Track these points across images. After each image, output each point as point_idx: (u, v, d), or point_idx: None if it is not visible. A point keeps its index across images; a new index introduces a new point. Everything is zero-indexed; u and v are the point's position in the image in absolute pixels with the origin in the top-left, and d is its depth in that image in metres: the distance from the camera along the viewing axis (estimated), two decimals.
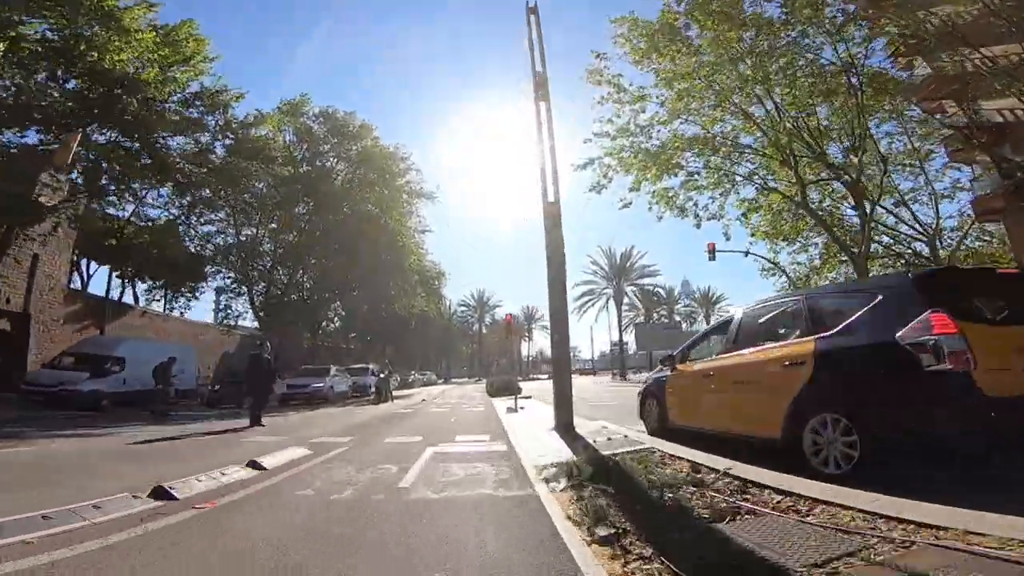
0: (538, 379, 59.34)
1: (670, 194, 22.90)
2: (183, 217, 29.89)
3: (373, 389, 21.39)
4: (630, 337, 48.30)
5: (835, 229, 21.20)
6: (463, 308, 69.61)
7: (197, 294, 36.77)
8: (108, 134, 22.38)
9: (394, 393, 24.09)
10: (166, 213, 29.71)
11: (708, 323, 62.52)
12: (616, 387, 29.83)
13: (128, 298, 37.55)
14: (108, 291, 35.08)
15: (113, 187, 24.08)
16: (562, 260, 9.36)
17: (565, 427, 8.63)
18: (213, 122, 25.05)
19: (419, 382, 40.76)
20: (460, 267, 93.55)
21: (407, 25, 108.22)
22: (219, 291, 32.85)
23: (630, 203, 21.96)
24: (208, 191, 29.31)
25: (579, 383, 41.96)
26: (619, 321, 47.95)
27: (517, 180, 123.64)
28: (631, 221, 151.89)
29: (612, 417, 10.81)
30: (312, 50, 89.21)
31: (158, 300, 34.28)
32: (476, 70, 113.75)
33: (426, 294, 34.13)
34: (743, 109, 20.80)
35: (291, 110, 32.02)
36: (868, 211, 19.56)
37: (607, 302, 48.34)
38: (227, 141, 26.11)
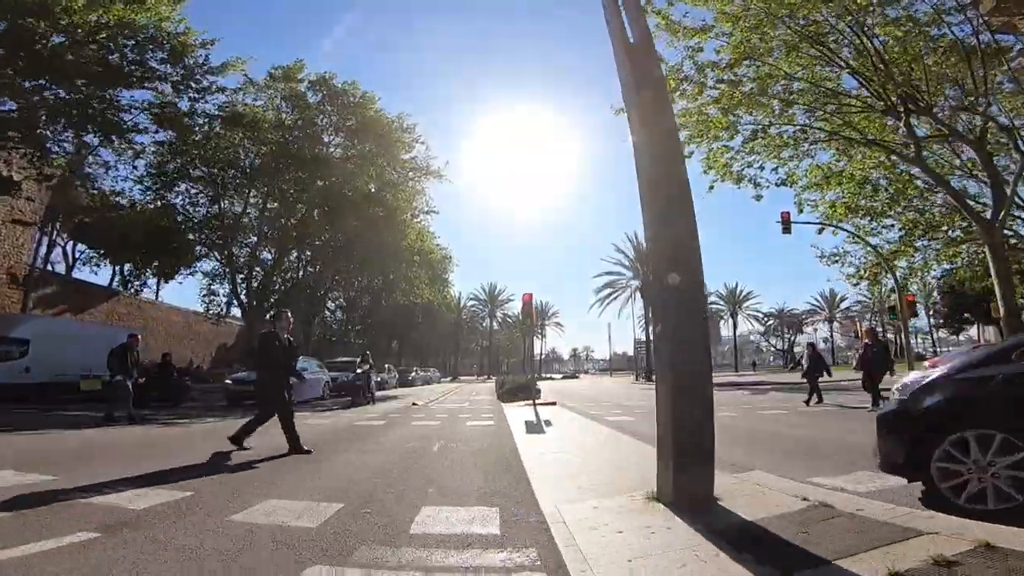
0: (552, 379, 53.75)
1: (726, 156, 17.63)
2: (155, 188, 25.05)
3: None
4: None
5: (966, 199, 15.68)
6: (473, 302, 63.59)
7: (177, 277, 32.09)
8: (37, 81, 17.48)
9: (379, 393, 18.58)
10: (140, 187, 25.08)
11: (735, 322, 56.68)
12: (650, 390, 24.00)
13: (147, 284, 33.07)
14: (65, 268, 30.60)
15: (49, 141, 19.29)
16: (676, 147, 3.99)
17: (701, 501, 3.17)
18: (173, 72, 19.97)
19: (420, 380, 35.12)
20: (472, 261, 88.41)
21: (434, 17, 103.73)
22: (205, 275, 27.76)
23: (690, 154, 16.64)
24: (181, 160, 25.03)
25: (600, 385, 36.04)
26: (645, 315, 41.55)
27: (534, 173, 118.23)
28: None
29: (749, 455, 5.33)
30: (334, 44, 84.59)
31: (132, 282, 29.34)
32: (497, 67, 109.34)
33: (430, 281, 28.75)
34: (830, 49, 15.56)
35: (283, 75, 26.90)
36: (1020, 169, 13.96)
37: (632, 295, 42.42)
38: (192, 94, 20.99)
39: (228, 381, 15.19)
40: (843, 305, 61.91)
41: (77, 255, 32.62)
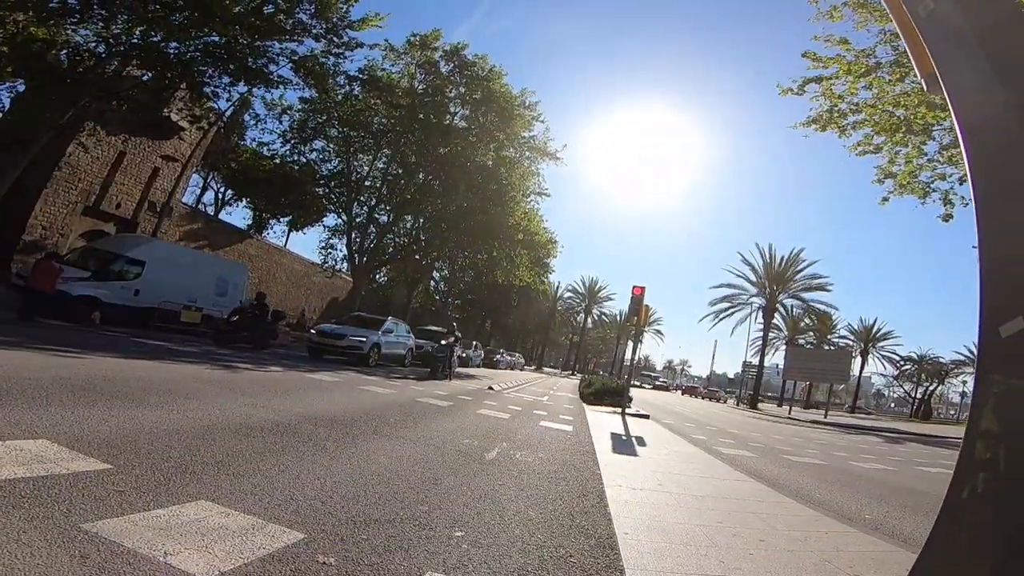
0: (643, 387, 50.56)
1: (915, 162, 14.08)
2: (294, 143, 26.33)
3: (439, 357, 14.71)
4: (772, 359, 36.98)
5: None
6: (570, 295, 60.71)
7: (304, 229, 34.39)
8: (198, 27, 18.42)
9: (460, 370, 17.47)
10: (281, 140, 26.51)
11: (864, 362, 49.00)
12: (768, 423, 20.56)
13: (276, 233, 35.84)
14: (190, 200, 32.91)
15: (206, 86, 20.44)
16: None
17: None
18: (318, 26, 20.36)
19: (504, 363, 33.91)
20: (573, 252, 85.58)
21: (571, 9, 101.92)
22: (327, 228, 29.00)
23: (881, 146, 13.55)
24: (321, 118, 26.18)
25: (695, 404, 32.45)
26: (764, 338, 36.00)
27: (651, 171, 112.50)
28: (783, 219, 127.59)
29: None
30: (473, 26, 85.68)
31: (265, 226, 31.56)
32: (626, 57, 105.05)
33: (532, 264, 27.38)
34: None
35: (421, 43, 26.85)
36: None
37: (751, 315, 36.36)
38: (334, 50, 21.35)
39: (312, 331, 14.76)
40: None
41: (226, 199, 35.81)
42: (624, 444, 6.90)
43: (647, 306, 12.41)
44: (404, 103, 25.24)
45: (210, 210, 34.58)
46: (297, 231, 36.88)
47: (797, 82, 13.15)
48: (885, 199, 14.94)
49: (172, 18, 16.68)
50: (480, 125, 26.44)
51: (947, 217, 14.32)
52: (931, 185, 14.19)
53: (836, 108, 13.45)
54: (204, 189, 35.64)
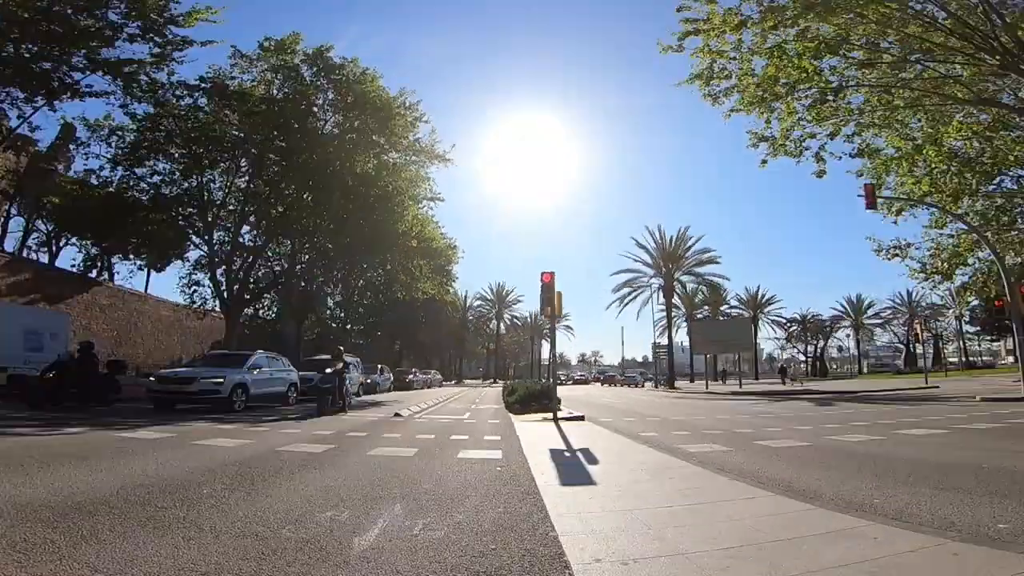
0: (563, 384, 49.98)
1: (788, 122, 14.48)
2: (126, 164, 21.75)
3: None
4: (679, 337, 37.75)
5: None
6: (480, 303, 58.91)
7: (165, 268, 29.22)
8: None
9: (365, 398, 14.80)
10: (110, 165, 21.84)
11: (755, 328, 52.11)
12: (698, 401, 19.91)
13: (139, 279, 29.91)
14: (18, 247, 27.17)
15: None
16: None
17: None
18: (133, 27, 16.91)
19: (419, 383, 31.07)
20: (479, 261, 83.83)
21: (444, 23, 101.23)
22: (186, 263, 24.56)
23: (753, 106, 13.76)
24: (159, 134, 22.01)
25: (619, 394, 31.64)
26: (668, 316, 36.54)
27: (543, 172, 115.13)
28: (675, 202, 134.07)
29: None
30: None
31: (99, 265, 26.14)
32: (508, 72, 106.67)
33: (432, 273, 25.09)
34: None
35: (276, 47, 23.35)
36: None
37: (652, 296, 36.80)
38: (156, 49, 17.91)
39: (151, 379, 11.44)
40: (870, 311, 57.77)
41: (59, 243, 29.50)
42: (572, 467, 5.08)
43: (559, 293, 10.85)
44: (259, 110, 21.87)
45: (44, 257, 28.45)
46: (158, 271, 31.33)
47: (676, 35, 12.93)
48: (764, 161, 15.23)
49: None
50: (355, 130, 23.72)
51: (820, 173, 14.83)
52: (803, 143, 14.67)
53: (715, 63, 13.45)
54: (27, 232, 29.08)
